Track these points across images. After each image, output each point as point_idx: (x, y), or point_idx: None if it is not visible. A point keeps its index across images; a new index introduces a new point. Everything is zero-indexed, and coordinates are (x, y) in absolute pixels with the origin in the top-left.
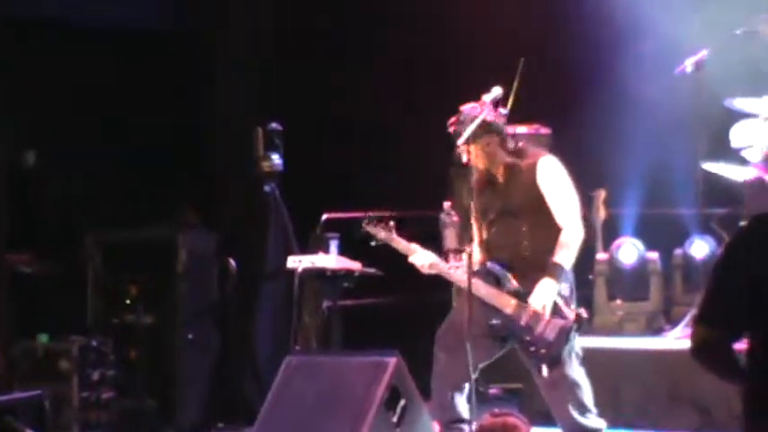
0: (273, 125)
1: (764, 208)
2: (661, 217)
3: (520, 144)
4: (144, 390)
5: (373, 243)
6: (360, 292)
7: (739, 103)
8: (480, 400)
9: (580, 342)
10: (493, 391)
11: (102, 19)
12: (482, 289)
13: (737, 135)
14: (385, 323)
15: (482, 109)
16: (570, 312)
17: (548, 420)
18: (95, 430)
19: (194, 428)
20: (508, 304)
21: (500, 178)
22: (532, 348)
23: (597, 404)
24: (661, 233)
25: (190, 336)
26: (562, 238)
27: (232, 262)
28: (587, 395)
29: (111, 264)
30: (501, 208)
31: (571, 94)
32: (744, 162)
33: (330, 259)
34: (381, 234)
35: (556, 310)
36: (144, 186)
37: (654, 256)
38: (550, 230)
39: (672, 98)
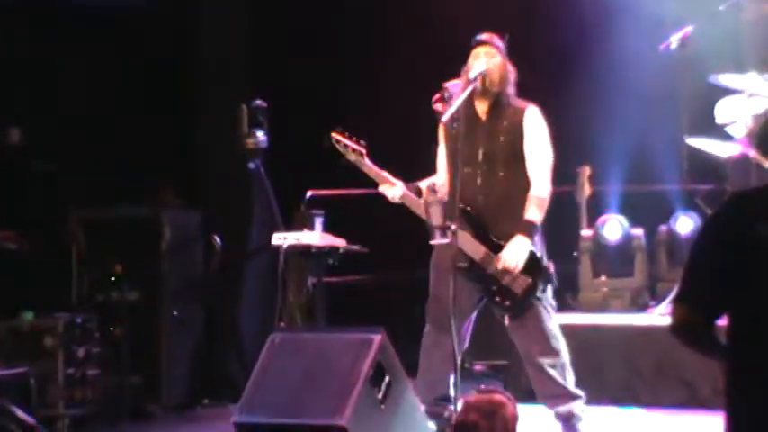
0: (258, 102)
1: (748, 184)
2: (646, 193)
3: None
4: (129, 367)
5: (342, 160)
6: (344, 269)
7: (724, 80)
8: (465, 376)
9: (564, 318)
10: (478, 367)
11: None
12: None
13: (722, 111)
14: (370, 300)
15: (466, 85)
16: (539, 267)
17: (533, 397)
18: (80, 407)
19: (179, 405)
20: (477, 251)
21: (483, 116)
22: (497, 298)
23: (582, 380)
24: (646, 209)
25: (174, 313)
26: (533, 192)
27: (217, 239)
28: (564, 351)
29: (95, 241)
30: (481, 149)
31: (556, 71)
32: (728, 138)
33: (315, 236)
34: (351, 155)
35: (526, 265)
36: (128, 164)
37: (639, 232)
38: (524, 180)
39: (656, 75)
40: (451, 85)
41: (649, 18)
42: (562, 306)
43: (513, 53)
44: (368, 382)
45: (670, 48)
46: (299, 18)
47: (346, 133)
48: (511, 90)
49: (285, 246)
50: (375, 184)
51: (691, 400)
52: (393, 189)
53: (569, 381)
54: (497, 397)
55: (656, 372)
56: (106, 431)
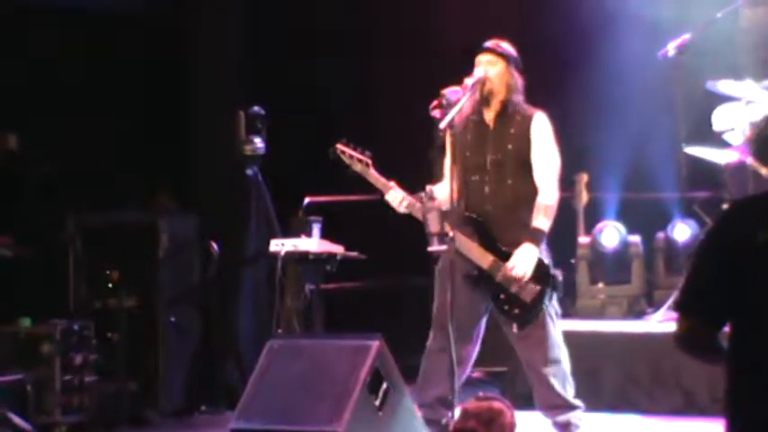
0: (256, 109)
1: (746, 191)
2: (643, 200)
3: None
4: (126, 373)
5: (348, 171)
6: (342, 276)
7: (721, 87)
8: (463, 383)
9: (562, 324)
10: (475, 374)
11: (86, 5)
12: (461, 241)
13: (719, 118)
14: (367, 306)
15: (464, 92)
16: (547, 275)
17: (530, 404)
18: (78, 414)
19: (176, 412)
20: (486, 259)
21: (491, 123)
22: (506, 306)
23: (579, 387)
24: (643, 217)
25: (172, 319)
26: (540, 200)
27: (214, 245)
28: (566, 361)
29: (92, 247)
30: (489, 156)
31: (553, 78)
32: (726, 145)
33: (312, 243)
34: (357, 166)
35: (534, 274)
36: (125, 170)
37: (636, 239)
38: (531, 188)
39: (654, 82)
40: (450, 91)
41: (647, 26)
42: (562, 313)
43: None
44: (365, 388)
45: (667, 55)
46: (298, 24)
47: (351, 144)
48: (518, 97)
49: (283, 252)
50: (373, 191)
51: (688, 406)
52: (398, 198)
53: (569, 391)
54: (496, 404)
55: (653, 378)
56: None
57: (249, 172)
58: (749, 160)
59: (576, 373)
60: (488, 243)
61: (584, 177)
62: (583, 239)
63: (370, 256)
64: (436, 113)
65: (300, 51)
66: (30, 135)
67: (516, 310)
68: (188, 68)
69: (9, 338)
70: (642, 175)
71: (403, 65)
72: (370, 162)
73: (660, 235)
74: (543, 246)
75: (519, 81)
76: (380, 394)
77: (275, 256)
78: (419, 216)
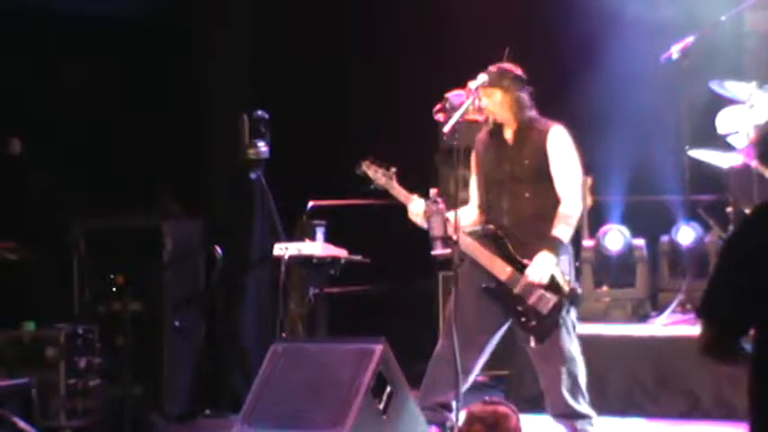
0: (259, 113)
1: (750, 194)
2: (647, 203)
3: (533, 113)
4: (131, 377)
5: (372, 186)
6: (346, 280)
7: (725, 90)
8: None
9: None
10: (480, 378)
11: (87, 8)
12: (478, 252)
13: (723, 121)
14: (371, 310)
15: (468, 96)
16: (566, 287)
17: (534, 407)
18: (82, 418)
19: (181, 416)
20: (503, 271)
21: (510, 140)
22: (523, 319)
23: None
24: (647, 220)
25: (176, 323)
26: (561, 210)
27: (218, 249)
28: (581, 373)
29: (97, 251)
30: (507, 171)
31: (557, 81)
32: (730, 148)
33: (316, 246)
34: (381, 180)
35: (552, 285)
36: (129, 175)
37: (640, 242)
38: (551, 200)
39: (658, 85)
40: (453, 95)
41: (651, 29)
42: None
43: (514, 65)
44: (369, 392)
45: (671, 58)
46: (300, 26)
47: (376, 160)
48: (529, 113)
49: (287, 256)
50: (377, 196)
51: (693, 410)
52: (419, 209)
53: (581, 401)
54: (501, 409)
55: (658, 382)
56: None
57: (253, 176)
58: (753, 163)
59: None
60: (508, 256)
61: (588, 180)
62: (587, 243)
63: (373, 259)
64: (440, 117)
65: (303, 54)
66: (33, 139)
67: (533, 323)
68: (192, 72)
69: (14, 343)
70: (646, 179)
71: (407, 68)
72: (393, 176)
73: (664, 238)
74: (566, 257)
75: (524, 98)
76: (384, 398)
77: (279, 259)
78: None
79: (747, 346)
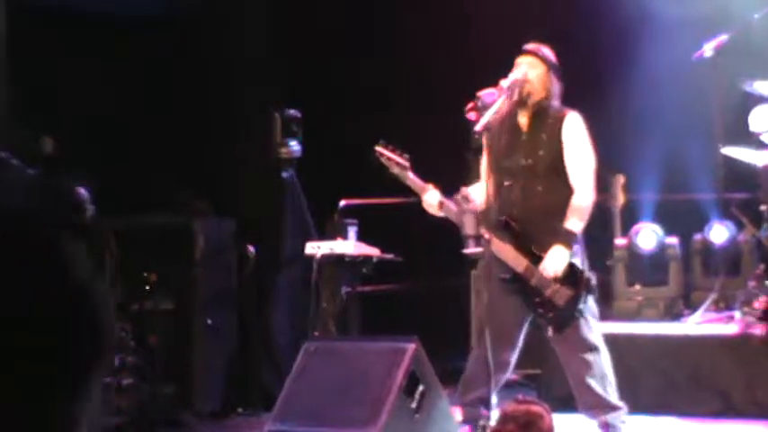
0: (292, 112)
1: None
2: (680, 202)
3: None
4: (163, 375)
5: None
6: (378, 278)
7: (758, 88)
8: (501, 385)
9: (600, 327)
10: (512, 376)
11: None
12: (496, 244)
13: (756, 119)
14: (403, 309)
15: (500, 94)
16: (581, 279)
17: (566, 406)
18: (115, 416)
19: (213, 414)
20: (520, 263)
21: (524, 127)
22: (541, 310)
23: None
24: (680, 218)
25: (208, 322)
26: (574, 201)
27: (250, 248)
28: (607, 362)
29: (129, 250)
30: (521, 163)
31: (590, 79)
32: (763, 146)
33: (348, 245)
34: (395, 169)
35: (567, 278)
36: (162, 173)
37: (673, 241)
38: (563, 194)
39: (690, 83)
40: (485, 93)
41: (683, 27)
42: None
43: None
44: (402, 391)
45: (704, 56)
46: (334, 26)
47: (390, 146)
48: (554, 102)
49: (319, 255)
50: (409, 194)
51: (725, 409)
52: (435, 201)
53: (610, 391)
54: (535, 408)
55: (691, 381)
56: None
57: (285, 175)
58: None
59: (613, 374)
60: (522, 247)
61: (621, 179)
62: (619, 241)
63: (405, 258)
64: (471, 116)
65: (336, 52)
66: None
67: (551, 314)
68: (224, 71)
69: None
70: (679, 177)
71: (439, 66)
72: (408, 165)
73: (697, 237)
74: (578, 248)
75: (557, 87)
76: (417, 397)
77: (311, 258)
78: (454, 219)
79: None
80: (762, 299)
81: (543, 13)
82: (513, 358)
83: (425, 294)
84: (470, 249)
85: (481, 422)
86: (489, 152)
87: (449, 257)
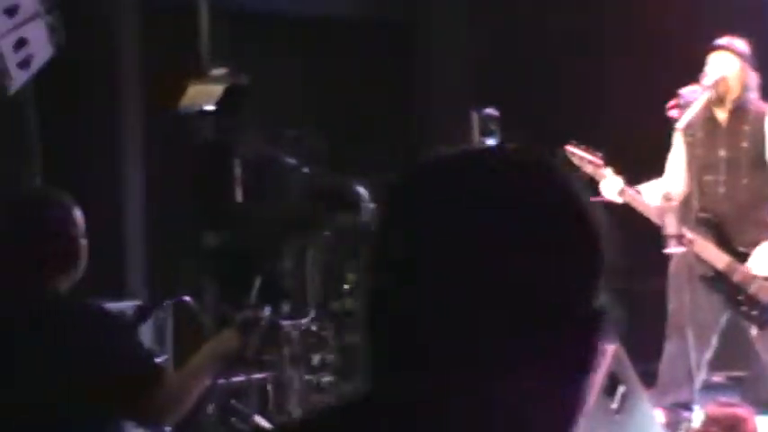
0: (489, 110)
1: None
2: None
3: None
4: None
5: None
6: None
7: None
8: (703, 387)
9: None
10: (716, 378)
11: (322, 7)
12: (698, 242)
13: None
14: None
15: (702, 92)
16: None
17: None
18: None
19: None
20: (722, 260)
21: (723, 122)
22: (744, 308)
23: None
24: None
25: None
26: None
27: None
28: None
29: (329, 249)
30: (723, 156)
31: None
32: None
33: None
34: (588, 168)
35: None
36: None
37: None
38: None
39: None
40: (687, 91)
41: None
42: None
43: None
44: (602, 392)
45: None
46: (531, 23)
47: (582, 145)
48: (752, 95)
49: None
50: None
51: None
52: (613, 184)
53: None
54: (739, 411)
55: None
56: None
57: None
58: None
59: None
60: (724, 244)
61: None
62: None
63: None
64: (674, 113)
65: (533, 50)
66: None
67: (755, 312)
68: (420, 69)
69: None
70: None
71: (637, 64)
72: (602, 163)
73: None
74: None
75: (754, 78)
76: (617, 398)
77: None
78: (637, 206)
79: None
80: None
81: (738, 7)
82: (706, 361)
83: (623, 294)
84: (672, 249)
85: (683, 425)
86: (690, 149)
87: (647, 257)
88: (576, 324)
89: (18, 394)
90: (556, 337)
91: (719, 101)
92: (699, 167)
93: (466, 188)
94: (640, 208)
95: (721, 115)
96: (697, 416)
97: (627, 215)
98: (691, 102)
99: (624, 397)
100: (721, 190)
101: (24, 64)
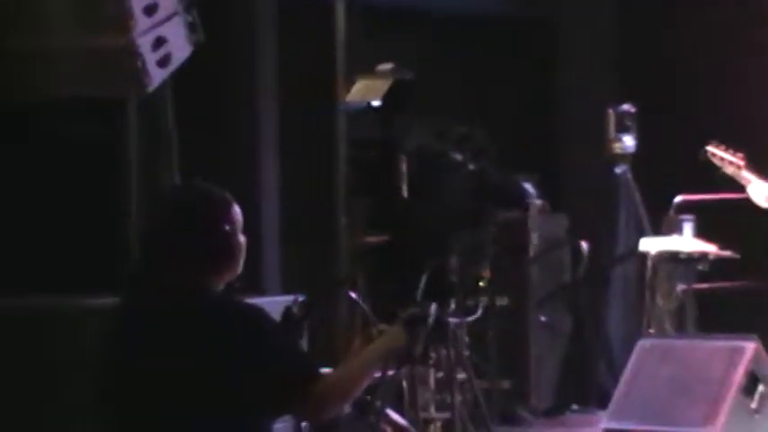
0: (625, 106)
1: None
2: None
3: None
4: (498, 371)
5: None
6: (715, 276)
7: None
8: None
9: None
10: None
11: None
12: None
13: None
14: (741, 308)
15: None
16: None
17: None
18: (450, 410)
19: (547, 410)
20: None
21: None
22: None
23: None
24: None
25: (542, 318)
26: None
27: (583, 244)
28: None
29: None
30: None
31: None
32: None
33: (684, 242)
34: (729, 169)
35: None
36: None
37: None
38: None
39: None
40: None
41: None
42: None
43: None
44: (741, 391)
45: None
46: (672, 21)
47: (722, 146)
48: None
49: (653, 251)
50: (743, 190)
51: None
52: (763, 192)
53: None
54: None
55: None
56: None
57: (618, 170)
58: None
59: None
60: None
61: None
62: None
63: (745, 255)
64: None
65: (673, 49)
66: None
67: None
68: (556, 66)
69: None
70: None
71: None
72: (742, 164)
73: None
74: None
75: None
76: (757, 397)
77: (645, 255)
78: None
79: None
80: None
81: None
82: None
83: (765, 293)
84: None
85: None
86: None
87: None
88: None
89: (170, 389)
90: None
91: None
92: None
93: None
94: None
95: None
96: None
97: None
98: None
99: (764, 397)
100: None
101: (163, 62)
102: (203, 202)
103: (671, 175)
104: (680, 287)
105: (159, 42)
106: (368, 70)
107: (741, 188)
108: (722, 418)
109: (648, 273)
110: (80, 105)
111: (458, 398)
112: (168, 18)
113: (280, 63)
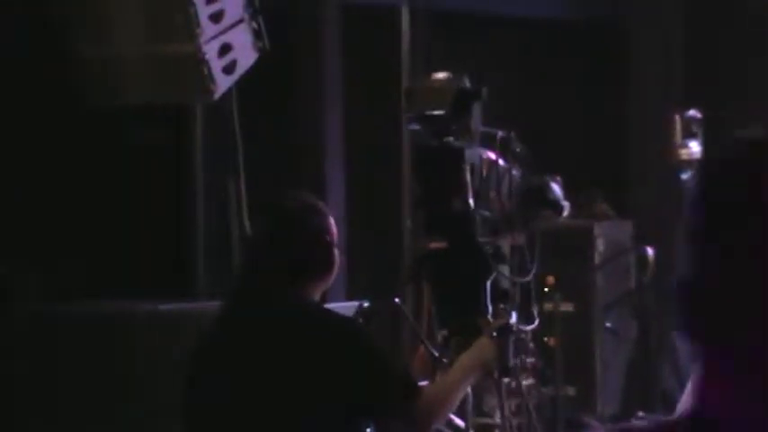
0: (692, 112)
1: None
2: None
3: None
4: (563, 378)
5: None
6: None
7: None
8: None
9: None
10: None
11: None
12: None
13: None
14: None
15: None
16: None
17: None
18: (516, 417)
19: (613, 417)
20: None
21: None
22: None
23: None
24: None
25: (608, 324)
26: None
27: (649, 251)
28: None
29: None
30: None
31: None
32: None
33: None
34: None
35: None
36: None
37: None
38: None
39: None
40: None
41: None
42: None
43: None
44: None
45: None
46: (740, 26)
47: None
48: None
49: None
50: None
51: None
52: None
53: None
54: None
55: None
56: None
57: (684, 176)
58: None
59: None
60: None
61: None
62: None
63: None
64: None
65: (738, 55)
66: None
67: None
68: (624, 72)
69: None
70: None
71: None
72: None
73: None
74: None
75: None
76: None
77: None
78: None
79: None
80: None
81: None
82: None
83: None
84: None
85: None
86: None
87: None
88: None
89: (263, 397)
90: None
91: None
92: None
93: None
94: None
95: None
96: None
97: None
98: None
99: None
100: None
101: (228, 69)
102: (309, 213)
103: None
104: None
105: (225, 49)
106: (429, 77)
107: None
108: None
109: None
110: (148, 112)
111: (530, 404)
112: (234, 25)
113: (345, 70)
